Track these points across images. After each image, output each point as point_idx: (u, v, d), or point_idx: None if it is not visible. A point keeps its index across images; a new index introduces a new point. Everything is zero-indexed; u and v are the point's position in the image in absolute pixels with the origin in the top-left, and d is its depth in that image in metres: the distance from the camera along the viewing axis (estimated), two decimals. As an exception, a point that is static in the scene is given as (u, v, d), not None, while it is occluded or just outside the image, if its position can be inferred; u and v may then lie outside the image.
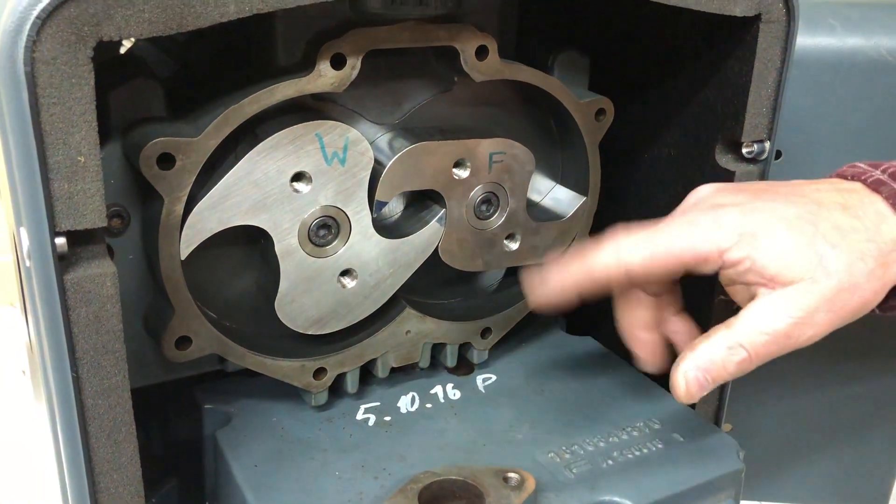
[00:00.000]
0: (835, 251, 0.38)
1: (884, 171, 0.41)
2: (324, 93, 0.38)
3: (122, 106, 0.37)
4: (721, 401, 0.51)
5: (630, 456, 0.42)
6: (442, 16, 0.40)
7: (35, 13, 0.27)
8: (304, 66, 0.38)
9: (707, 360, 0.38)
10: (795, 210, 0.39)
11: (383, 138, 0.43)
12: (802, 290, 0.38)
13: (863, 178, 0.41)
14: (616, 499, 0.39)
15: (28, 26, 0.27)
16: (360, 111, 0.43)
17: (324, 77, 0.38)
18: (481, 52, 0.41)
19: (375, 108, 0.43)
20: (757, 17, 0.42)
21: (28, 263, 0.31)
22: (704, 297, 0.47)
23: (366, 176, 0.41)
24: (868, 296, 0.39)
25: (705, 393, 0.39)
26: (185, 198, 0.37)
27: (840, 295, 0.38)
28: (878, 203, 0.40)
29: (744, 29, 0.43)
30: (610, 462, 0.41)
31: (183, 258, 0.37)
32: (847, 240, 0.38)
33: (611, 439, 0.43)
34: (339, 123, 0.39)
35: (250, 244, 0.42)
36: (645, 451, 0.42)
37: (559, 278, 0.40)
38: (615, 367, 0.50)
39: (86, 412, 0.33)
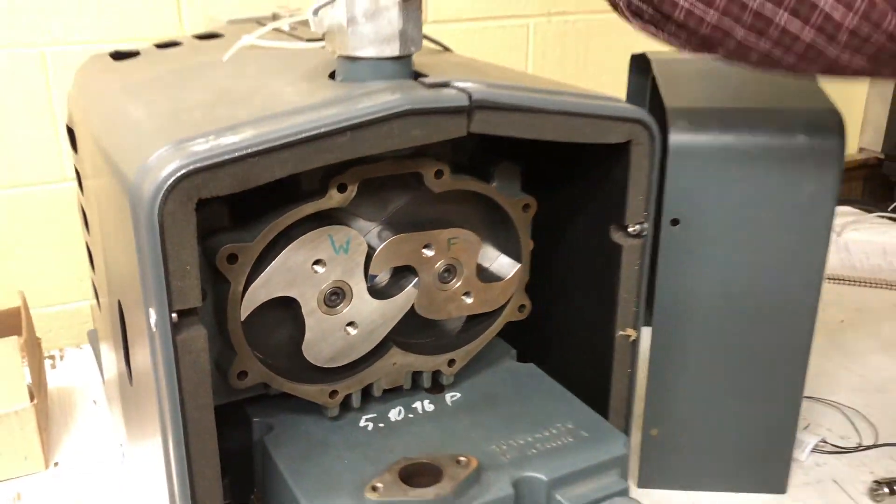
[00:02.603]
0: None
1: None
2: (334, 208, 0.58)
3: (204, 220, 0.56)
4: (628, 409, 0.70)
5: (549, 446, 0.61)
6: (413, 152, 0.60)
7: (165, 187, 0.47)
8: (320, 190, 0.57)
9: None
10: None
11: (374, 231, 0.62)
12: None
13: None
14: (535, 474, 0.58)
15: (161, 195, 0.47)
16: (358, 214, 0.62)
17: (332, 198, 0.57)
18: (438, 174, 0.60)
19: (368, 211, 0.62)
20: (628, 142, 0.62)
21: (154, 330, 0.50)
22: (606, 333, 0.66)
23: (361, 259, 0.60)
24: None
25: None
26: (244, 280, 0.56)
27: None
28: None
29: (620, 149, 0.62)
30: (534, 451, 0.60)
31: (242, 319, 0.57)
32: None
33: (536, 436, 0.62)
34: (343, 227, 0.59)
35: (286, 308, 0.61)
36: (559, 443, 0.61)
37: None
38: (547, 386, 0.69)
39: (187, 423, 0.52)
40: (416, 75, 0.57)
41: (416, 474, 0.55)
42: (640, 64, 1.02)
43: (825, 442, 0.96)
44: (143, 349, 0.55)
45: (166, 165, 0.47)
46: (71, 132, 0.78)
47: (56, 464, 0.91)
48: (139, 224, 0.49)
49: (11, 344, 0.87)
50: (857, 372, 1.11)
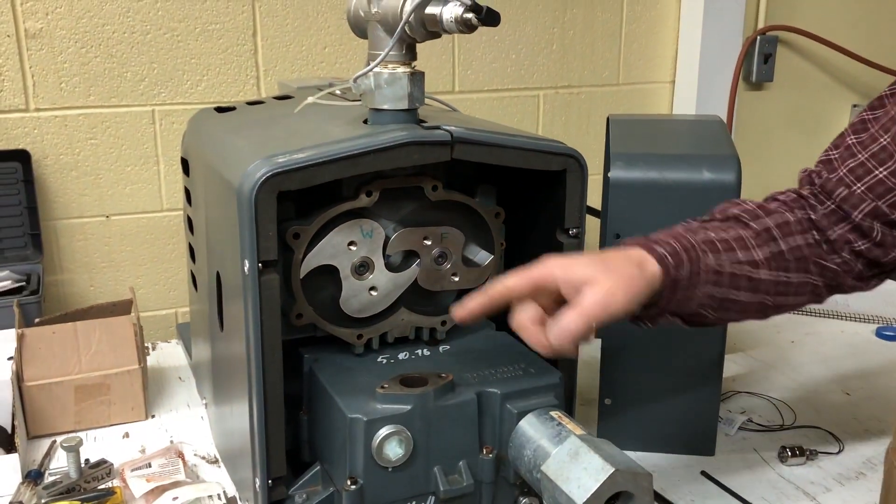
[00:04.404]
0: (611, 263, 0.71)
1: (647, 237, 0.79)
2: (364, 207, 0.87)
3: (281, 213, 0.86)
4: (572, 362, 0.96)
5: (505, 376, 0.87)
6: (417, 171, 0.89)
7: (259, 183, 0.77)
8: (354, 195, 0.87)
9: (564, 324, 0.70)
10: (589, 258, 0.73)
11: (390, 226, 0.91)
12: (604, 281, 0.69)
13: (628, 242, 0.79)
14: (492, 389, 0.84)
15: (256, 188, 0.77)
16: (380, 214, 0.91)
17: (362, 200, 0.86)
18: (434, 188, 0.89)
19: (387, 212, 0.91)
20: (564, 170, 0.90)
21: (247, 274, 0.79)
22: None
23: (381, 243, 0.89)
24: (639, 281, 0.70)
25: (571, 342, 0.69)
26: (303, 251, 0.85)
27: (626, 280, 0.69)
28: (634, 248, 0.76)
29: (560, 175, 0.90)
30: (494, 378, 0.87)
31: (301, 277, 0.86)
32: (615, 261, 0.72)
33: (498, 370, 0.88)
34: (369, 220, 0.88)
35: (329, 274, 0.90)
36: (513, 374, 0.87)
37: (477, 300, 0.75)
38: (513, 345, 0.96)
39: (264, 338, 0.81)
40: (420, 121, 0.86)
41: (410, 381, 0.83)
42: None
43: (751, 421, 1.20)
44: (235, 297, 0.85)
45: (259, 170, 0.78)
46: (185, 162, 1.10)
47: (153, 416, 1.21)
48: (242, 207, 0.79)
49: (126, 321, 1.18)
50: (796, 379, 1.35)
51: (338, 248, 0.87)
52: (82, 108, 1.42)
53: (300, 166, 0.78)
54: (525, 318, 0.71)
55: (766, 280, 0.82)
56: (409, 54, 0.83)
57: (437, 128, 0.84)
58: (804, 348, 1.48)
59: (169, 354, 1.41)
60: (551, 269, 0.69)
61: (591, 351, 1.19)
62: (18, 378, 1.09)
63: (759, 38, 1.88)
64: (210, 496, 0.98)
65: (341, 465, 0.80)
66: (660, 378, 1.10)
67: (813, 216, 0.87)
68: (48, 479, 1.00)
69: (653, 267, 0.72)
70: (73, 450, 0.99)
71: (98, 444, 1.11)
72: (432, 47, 1.62)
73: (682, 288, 0.75)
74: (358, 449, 0.79)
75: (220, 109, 1.10)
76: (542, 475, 0.76)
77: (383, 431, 0.79)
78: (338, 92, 1.05)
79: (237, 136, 0.95)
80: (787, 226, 0.86)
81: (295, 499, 0.84)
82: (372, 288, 0.90)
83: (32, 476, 0.99)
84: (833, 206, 0.86)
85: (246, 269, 0.79)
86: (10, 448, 1.02)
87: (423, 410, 0.81)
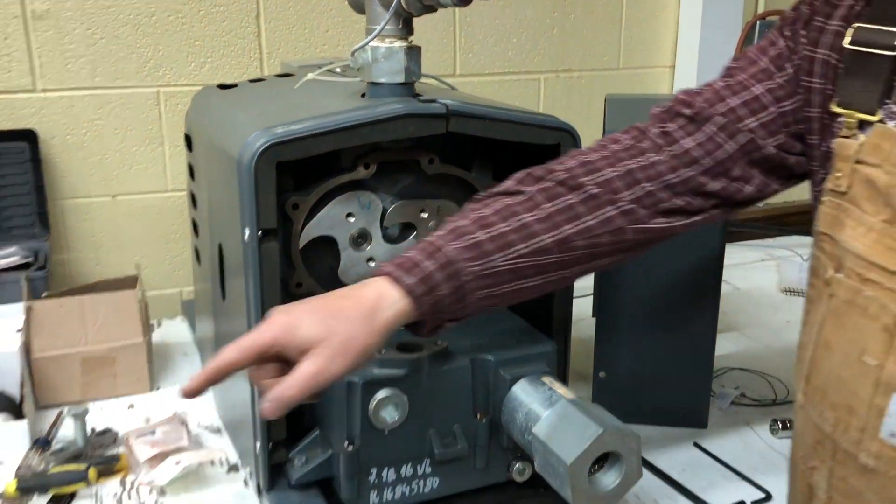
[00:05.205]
0: (336, 321, 0.65)
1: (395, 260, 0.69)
2: (361, 179, 0.89)
3: (280, 184, 0.88)
4: (566, 330, 0.98)
5: (499, 344, 0.90)
6: (414, 144, 0.91)
7: (258, 153, 0.79)
8: (352, 167, 0.89)
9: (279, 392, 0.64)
10: (313, 305, 0.67)
11: (388, 199, 0.94)
12: (322, 349, 0.63)
13: (380, 269, 0.69)
14: (486, 356, 0.87)
15: (255, 158, 0.79)
16: (378, 188, 0.93)
17: (360, 172, 0.89)
18: (431, 161, 0.92)
19: (385, 186, 0.93)
20: (558, 144, 0.92)
21: (247, 241, 0.81)
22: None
23: (378, 215, 0.91)
24: (367, 338, 0.65)
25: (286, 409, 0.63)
26: (302, 222, 0.88)
27: (346, 344, 0.64)
28: (379, 280, 0.68)
29: (554, 150, 0.92)
30: (490, 345, 0.89)
31: (300, 248, 0.88)
32: (346, 313, 0.65)
33: (493, 339, 0.90)
34: (367, 192, 0.90)
35: (328, 245, 0.92)
36: (507, 343, 0.90)
37: (202, 377, 0.66)
38: (510, 317, 0.97)
39: (264, 311, 0.83)
40: (416, 95, 0.88)
41: (406, 347, 0.85)
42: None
43: (744, 396, 1.22)
44: (236, 267, 0.87)
45: (258, 140, 0.80)
46: (188, 138, 1.12)
47: (158, 387, 1.23)
48: (242, 178, 0.81)
49: (131, 296, 1.20)
50: (790, 357, 1.37)
51: (336, 219, 0.89)
52: (88, 90, 1.44)
53: (298, 136, 0.80)
54: (257, 377, 0.67)
55: (564, 259, 0.73)
56: (406, 29, 0.85)
57: (434, 101, 0.86)
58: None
59: (174, 331, 1.44)
60: (275, 334, 0.64)
61: (586, 329, 1.21)
62: (27, 349, 1.11)
63: (758, 22, 1.89)
64: (212, 462, 1.00)
65: (339, 429, 0.82)
66: (654, 352, 1.12)
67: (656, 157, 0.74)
68: (56, 447, 1.02)
69: (396, 305, 0.67)
70: (80, 418, 1.02)
71: (104, 415, 1.14)
72: (433, 31, 1.64)
73: (444, 307, 0.69)
74: (355, 412, 0.81)
75: (222, 87, 1.12)
76: (534, 437, 0.78)
77: (379, 395, 0.81)
78: (338, 70, 1.07)
79: (238, 110, 0.97)
80: (608, 184, 0.73)
81: (294, 462, 0.87)
82: (370, 259, 0.92)
83: (40, 443, 1.01)
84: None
85: (246, 237, 0.82)
86: (18, 416, 1.05)
87: (418, 375, 0.83)
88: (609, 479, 0.75)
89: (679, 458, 1.07)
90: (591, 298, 1.34)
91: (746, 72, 0.74)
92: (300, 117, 0.83)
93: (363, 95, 0.91)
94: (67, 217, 1.48)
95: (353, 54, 0.86)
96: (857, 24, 0.64)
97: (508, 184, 0.76)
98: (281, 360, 0.66)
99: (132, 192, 1.51)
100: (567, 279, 0.76)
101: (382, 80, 0.86)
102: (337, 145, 0.82)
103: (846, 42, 0.64)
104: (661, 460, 1.06)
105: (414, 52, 0.86)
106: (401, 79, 0.86)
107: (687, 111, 0.74)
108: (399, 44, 0.85)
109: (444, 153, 0.94)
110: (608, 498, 0.75)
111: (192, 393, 0.67)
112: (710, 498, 0.99)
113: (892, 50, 0.61)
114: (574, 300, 0.97)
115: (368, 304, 0.66)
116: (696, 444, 1.11)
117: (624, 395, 1.14)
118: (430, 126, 0.85)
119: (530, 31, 1.74)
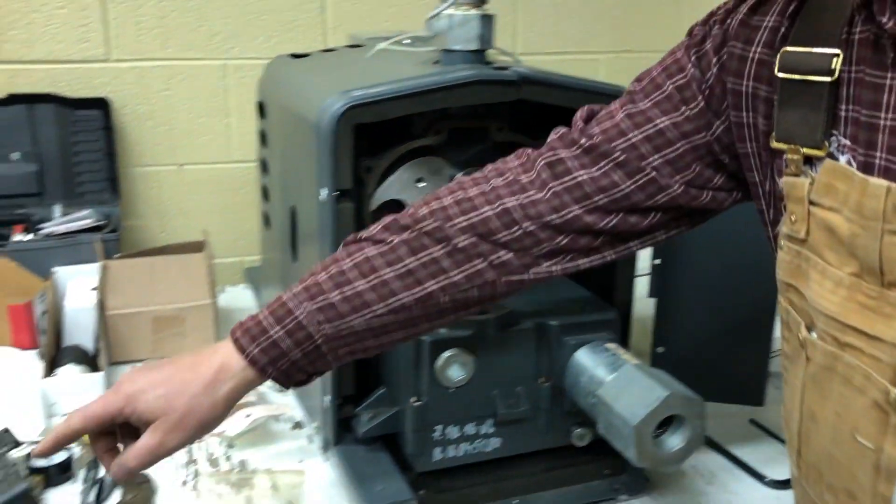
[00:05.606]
0: (177, 396, 0.64)
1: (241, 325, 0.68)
2: (432, 145, 0.91)
3: (356, 149, 0.90)
4: (628, 302, 1.00)
5: (564, 310, 0.91)
6: (485, 112, 0.93)
7: (338, 116, 0.81)
8: (423, 134, 0.91)
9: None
10: (160, 376, 0.66)
11: (457, 167, 0.96)
12: (161, 423, 0.64)
13: (232, 332, 0.68)
14: (550, 321, 0.88)
15: (335, 121, 0.81)
16: (448, 152, 0.95)
17: (430, 139, 0.91)
18: (500, 129, 0.93)
19: (454, 154, 0.95)
20: (627, 114, 0.93)
21: (323, 201, 0.84)
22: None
23: (446, 181, 0.93)
24: (206, 412, 0.65)
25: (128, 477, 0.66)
26: (374, 185, 0.90)
27: (184, 419, 0.64)
28: (224, 348, 0.67)
29: (622, 119, 0.93)
30: (554, 311, 0.91)
31: (372, 209, 0.91)
32: (189, 387, 0.65)
33: (558, 305, 0.92)
34: (436, 158, 0.92)
35: (398, 209, 0.94)
36: (570, 309, 0.92)
37: (49, 441, 0.65)
38: (574, 286, 0.99)
39: (336, 263, 0.86)
40: (489, 63, 0.90)
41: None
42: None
43: (802, 376, 1.22)
44: (310, 228, 0.90)
45: (337, 103, 0.82)
46: (261, 105, 1.15)
47: (223, 350, 1.27)
48: (321, 139, 0.83)
49: (200, 259, 1.24)
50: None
51: (406, 183, 0.91)
52: (159, 60, 1.48)
53: (375, 100, 0.82)
54: (96, 449, 0.69)
55: (429, 313, 0.69)
56: (481, -4, 0.87)
57: (506, 68, 0.88)
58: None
59: (237, 297, 1.48)
60: (119, 405, 0.65)
61: (642, 309, 1.22)
62: (101, 307, 1.16)
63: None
64: (277, 418, 1.04)
65: (407, 385, 0.85)
66: (712, 329, 1.13)
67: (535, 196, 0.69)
68: (129, 399, 1.06)
69: (238, 377, 0.66)
70: (153, 371, 1.05)
71: (173, 372, 1.18)
72: (494, 9, 1.64)
73: (302, 367, 0.68)
74: (423, 369, 0.83)
75: (295, 56, 1.15)
76: (598, 399, 0.80)
77: (446, 353, 0.83)
78: (406, 41, 1.09)
79: (312, 76, 1.00)
80: (482, 225, 0.68)
81: (361, 417, 0.89)
82: (438, 223, 0.94)
83: (115, 395, 1.06)
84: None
85: (322, 197, 0.84)
86: (94, 369, 1.10)
87: (484, 336, 0.85)
88: (673, 441, 0.77)
89: (736, 433, 1.08)
90: (647, 279, 1.35)
91: (651, 98, 0.65)
92: (376, 81, 0.85)
93: (436, 63, 0.92)
94: (136, 184, 1.53)
95: (428, 20, 0.88)
96: (785, 49, 0.55)
97: (375, 229, 0.70)
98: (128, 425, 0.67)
99: (198, 162, 1.55)
100: (440, 326, 0.72)
101: (456, 48, 0.88)
102: (412, 109, 0.84)
103: (776, 71, 0.55)
104: (718, 435, 1.07)
105: (488, 21, 0.88)
106: (475, 46, 0.88)
107: (584, 141, 0.67)
108: (474, 11, 0.86)
109: (511, 125, 0.95)
110: (671, 460, 0.77)
111: (43, 454, 0.69)
112: (766, 472, 0.99)
113: (830, 74, 0.52)
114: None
115: (210, 376, 0.65)
116: (752, 421, 1.11)
117: (682, 371, 1.14)
118: (502, 93, 0.87)
119: (591, 12, 1.74)
